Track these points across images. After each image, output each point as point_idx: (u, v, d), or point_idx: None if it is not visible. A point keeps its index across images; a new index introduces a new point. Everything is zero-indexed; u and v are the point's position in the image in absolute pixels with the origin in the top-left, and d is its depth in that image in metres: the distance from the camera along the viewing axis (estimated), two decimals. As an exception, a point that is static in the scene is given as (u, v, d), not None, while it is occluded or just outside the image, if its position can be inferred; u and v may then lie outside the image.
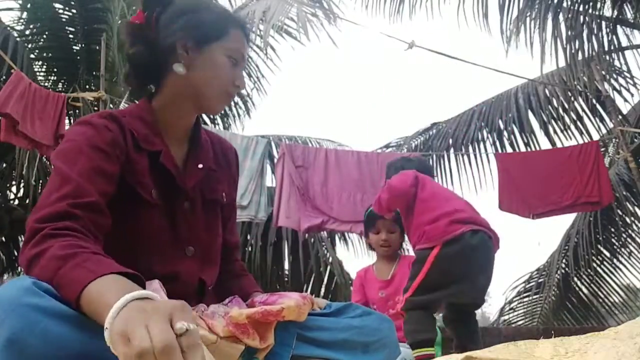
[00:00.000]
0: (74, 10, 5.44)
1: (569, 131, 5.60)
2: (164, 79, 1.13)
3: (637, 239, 6.17)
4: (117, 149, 1.01)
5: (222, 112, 6.13)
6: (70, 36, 5.63)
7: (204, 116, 5.65)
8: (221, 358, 0.98)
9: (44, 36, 5.67)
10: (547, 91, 5.62)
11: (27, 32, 5.62)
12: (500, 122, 5.73)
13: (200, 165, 1.16)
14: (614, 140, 5.63)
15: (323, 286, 5.99)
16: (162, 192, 1.08)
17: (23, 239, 0.87)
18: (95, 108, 4.95)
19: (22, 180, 5.15)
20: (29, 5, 5.50)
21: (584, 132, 5.58)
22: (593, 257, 6.20)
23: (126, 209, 1.01)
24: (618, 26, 5.04)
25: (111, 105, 4.26)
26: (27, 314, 0.66)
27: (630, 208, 5.96)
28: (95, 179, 0.95)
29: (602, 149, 5.53)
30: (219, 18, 1.14)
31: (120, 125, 1.04)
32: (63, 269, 0.75)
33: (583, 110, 5.58)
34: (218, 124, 6.04)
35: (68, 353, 0.66)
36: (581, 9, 4.82)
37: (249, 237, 5.80)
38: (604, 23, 4.97)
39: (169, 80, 1.12)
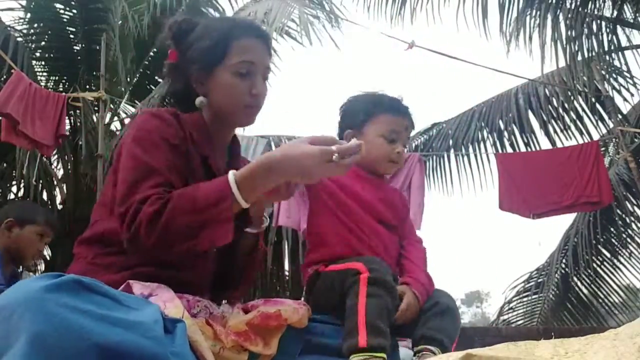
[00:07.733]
0: (74, 11, 5.44)
1: (569, 131, 5.60)
2: None
3: (636, 239, 6.16)
4: (182, 143, 1.12)
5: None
6: (71, 36, 5.63)
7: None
8: None
9: (45, 36, 5.66)
10: (547, 91, 5.61)
11: (28, 32, 5.62)
12: (500, 122, 5.72)
13: None
14: (614, 140, 5.63)
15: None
16: None
17: None
18: (96, 108, 4.95)
19: (22, 180, 5.14)
20: (29, 5, 5.49)
21: (584, 132, 5.57)
22: (593, 257, 6.20)
23: None
24: (618, 26, 5.04)
25: (111, 105, 4.25)
26: (44, 305, 0.67)
27: (630, 208, 5.96)
28: (176, 174, 1.08)
29: (602, 149, 5.53)
30: (218, 38, 1.17)
31: (181, 125, 1.15)
32: (196, 192, 0.99)
33: (583, 110, 5.57)
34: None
35: (88, 345, 0.67)
36: (581, 9, 4.81)
37: (248, 237, 5.78)
38: (604, 23, 4.97)
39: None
